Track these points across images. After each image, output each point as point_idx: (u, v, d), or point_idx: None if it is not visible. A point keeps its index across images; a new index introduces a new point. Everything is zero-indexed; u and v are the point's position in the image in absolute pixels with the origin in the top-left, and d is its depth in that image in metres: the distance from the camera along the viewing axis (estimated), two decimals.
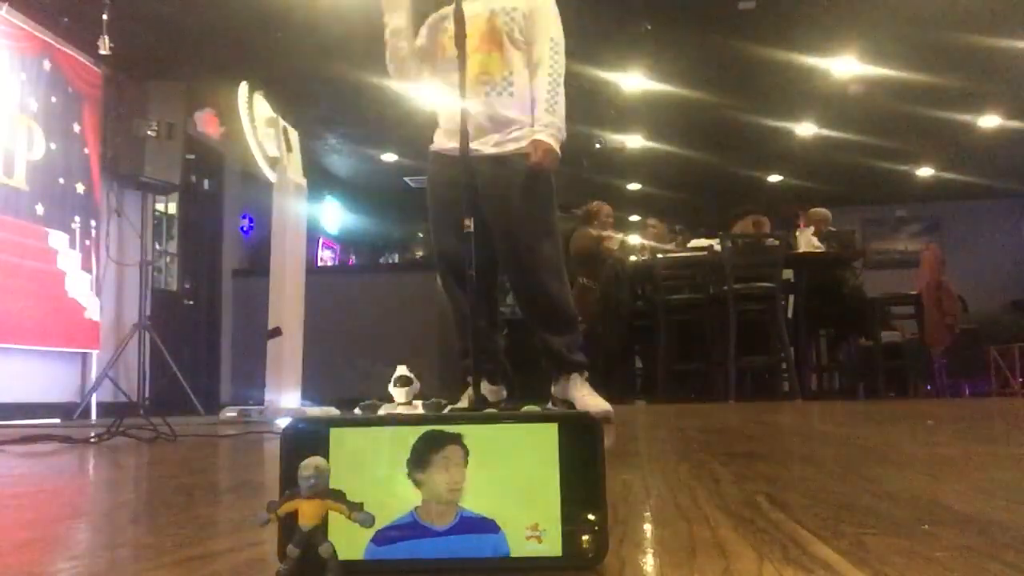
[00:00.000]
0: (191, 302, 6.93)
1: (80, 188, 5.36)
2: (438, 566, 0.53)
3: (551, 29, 2.87)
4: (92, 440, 2.18)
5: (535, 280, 2.86)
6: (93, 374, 5.40)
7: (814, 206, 7.06)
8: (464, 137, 2.74)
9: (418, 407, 3.24)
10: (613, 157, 8.68)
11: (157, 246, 6.46)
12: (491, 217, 2.84)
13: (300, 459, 0.51)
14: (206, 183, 7.18)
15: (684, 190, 9.71)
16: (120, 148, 5.41)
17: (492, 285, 3.07)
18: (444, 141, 2.94)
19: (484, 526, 0.53)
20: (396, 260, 10.53)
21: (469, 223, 2.67)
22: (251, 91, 4.24)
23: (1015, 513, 0.79)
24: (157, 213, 6.47)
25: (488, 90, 2.84)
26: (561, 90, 2.85)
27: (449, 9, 2.83)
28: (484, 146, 2.84)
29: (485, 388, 2.87)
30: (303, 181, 4.48)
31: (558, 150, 2.82)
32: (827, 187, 9.59)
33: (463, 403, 2.85)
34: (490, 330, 2.97)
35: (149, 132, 5.32)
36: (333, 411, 3.74)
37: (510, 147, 2.85)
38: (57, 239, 5.12)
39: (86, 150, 5.42)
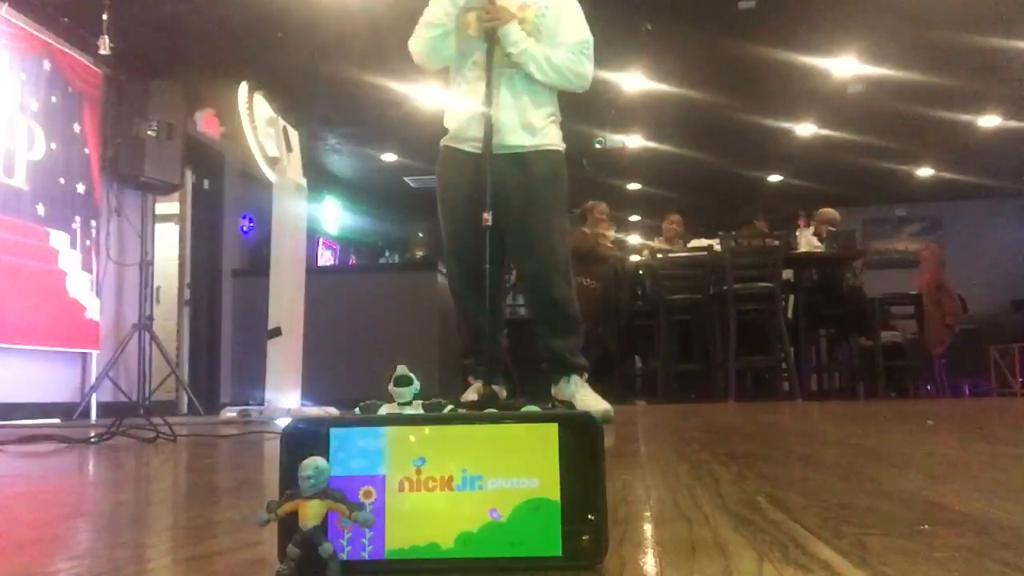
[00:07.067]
0: (191, 302, 6.92)
1: (80, 188, 5.35)
2: (448, 566, 0.53)
3: (581, 32, 2.84)
4: (92, 440, 2.18)
5: (547, 282, 2.84)
6: (93, 374, 5.40)
7: (822, 207, 7.08)
8: (488, 129, 2.71)
9: (418, 407, 3.24)
10: (613, 157, 8.68)
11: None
12: (509, 215, 2.78)
13: (300, 459, 0.51)
14: (206, 183, 7.18)
15: (684, 190, 9.70)
16: (120, 148, 5.41)
17: (499, 285, 3.06)
18: (461, 132, 2.84)
19: None
20: (396, 260, 10.53)
21: (488, 216, 2.65)
22: (251, 91, 4.24)
23: (1015, 513, 0.79)
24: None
25: (513, 73, 2.81)
26: (568, 74, 2.79)
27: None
28: (504, 138, 2.79)
29: (484, 388, 2.87)
30: (303, 181, 4.48)
31: (512, 30, 2.73)
32: (827, 187, 9.58)
33: (472, 395, 2.83)
34: (494, 330, 2.96)
35: (149, 132, 5.32)
36: (333, 411, 3.74)
37: (529, 143, 2.82)
38: (58, 239, 5.11)
39: (86, 150, 5.42)
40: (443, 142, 2.96)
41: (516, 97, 2.81)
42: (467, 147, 2.83)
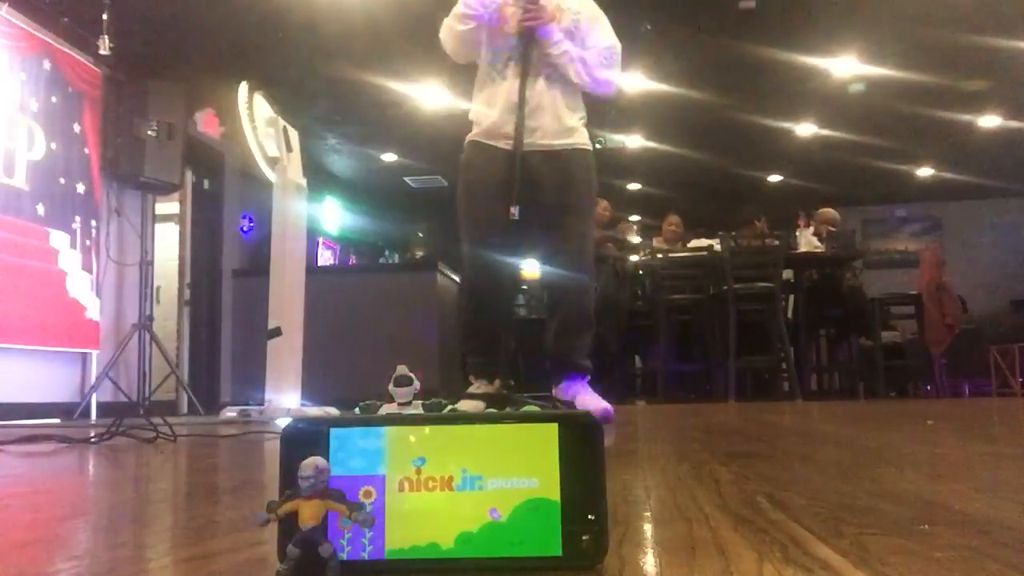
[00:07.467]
0: (191, 302, 6.92)
1: (80, 188, 5.35)
2: (448, 566, 0.53)
3: (611, 39, 2.87)
4: (92, 440, 2.18)
5: (571, 281, 2.83)
6: (93, 374, 5.39)
7: (822, 207, 7.07)
8: (521, 126, 2.70)
9: (418, 407, 3.24)
10: (613, 157, 8.67)
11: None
12: (540, 213, 2.76)
13: (300, 459, 0.51)
14: (206, 183, 7.17)
15: (684, 190, 9.70)
16: (120, 148, 5.41)
17: (514, 282, 3.07)
18: (495, 129, 2.81)
19: None
20: (396, 260, 10.52)
21: (515, 211, 2.64)
22: (251, 91, 4.24)
23: (1015, 513, 0.79)
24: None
25: (551, 73, 2.81)
26: (601, 80, 2.83)
27: None
28: (538, 137, 2.77)
29: (485, 387, 2.87)
30: (303, 181, 4.48)
31: (554, 30, 2.75)
32: (827, 187, 9.58)
33: (485, 388, 2.81)
34: (508, 327, 2.95)
35: (149, 132, 5.31)
36: (333, 411, 3.74)
37: (565, 142, 2.81)
38: (58, 239, 5.11)
39: (86, 150, 5.42)
40: (471, 137, 2.91)
41: (553, 97, 2.81)
42: (500, 143, 2.81)
